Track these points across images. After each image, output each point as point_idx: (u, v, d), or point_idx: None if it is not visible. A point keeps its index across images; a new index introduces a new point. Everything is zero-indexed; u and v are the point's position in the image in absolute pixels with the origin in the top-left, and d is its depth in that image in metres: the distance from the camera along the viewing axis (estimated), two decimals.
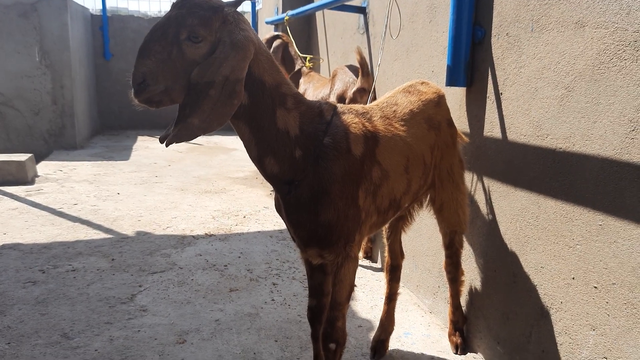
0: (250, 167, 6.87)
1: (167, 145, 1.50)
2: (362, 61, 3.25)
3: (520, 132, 2.13)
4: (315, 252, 1.79)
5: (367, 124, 1.81)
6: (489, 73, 2.33)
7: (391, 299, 2.47)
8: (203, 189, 5.65)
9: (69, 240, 3.90)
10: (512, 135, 2.18)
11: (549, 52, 1.96)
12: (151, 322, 2.74)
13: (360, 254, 3.77)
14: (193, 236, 4.11)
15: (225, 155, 7.80)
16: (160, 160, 7.17)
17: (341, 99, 3.49)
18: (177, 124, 1.48)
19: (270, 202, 5.23)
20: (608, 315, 1.73)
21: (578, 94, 1.82)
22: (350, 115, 1.78)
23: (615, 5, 1.66)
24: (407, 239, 3.06)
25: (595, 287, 1.78)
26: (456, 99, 2.56)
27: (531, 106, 2.06)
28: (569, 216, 1.89)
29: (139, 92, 1.47)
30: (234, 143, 8.95)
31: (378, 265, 3.62)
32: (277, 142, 1.65)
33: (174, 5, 1.49)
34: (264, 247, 3.92)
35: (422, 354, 2.51)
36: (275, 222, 4.57)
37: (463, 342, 2.51)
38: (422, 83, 2.23)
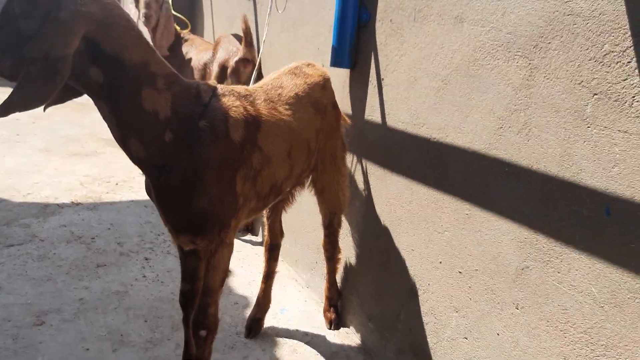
0: None
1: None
2: (246, 30, 3.14)
3: (399, 119, 2.17)
4: (188, 239, 1.71)
5: (249, 107, 1.74)
6: (372, 57, 2.34)
7: (269, 277, 2.46)
8: (71, 151, 5.22)
9: None
10: (391, 122, 2.23)
11: (429, 43, 2.00)
12: (5, 302, 2.50)
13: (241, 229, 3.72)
14: (58, 204, 3.80)
15: (98, 114, 7.25)
16: (22, 116, 6.50)
17: (223, 67, 3.36)
18: (5, 99, 1.34)
19: None
20: (470, 299, 1.85)
21: (453, 87, 1.89)
22: (231, 98, 1.70)
23: (492, 5, 1.72)
24: (288, 215, 3.04)
25: (459, 272, 1.89)
26: (340, 79, 2.55)
27: (410, 95, 2.11)
28: (439, 204, 1.98)
29: None
30: None
31: (259, 239, 3.60)
32: (142, 124, 1.54)
33: None
34: (137, 218, 3.72)
35: (297, 330, 2.54)
36: None
37: (337, 317, 2.58)
38: (309, 65, 2.19)
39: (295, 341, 2.46)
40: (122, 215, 3.75)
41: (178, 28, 4.05)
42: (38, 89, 1.35)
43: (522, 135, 1.63)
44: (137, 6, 3.90)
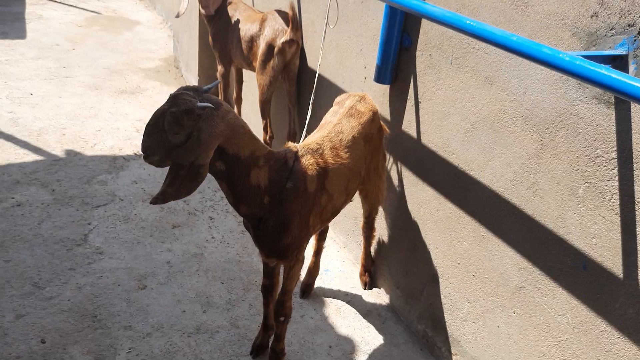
0: (159, 54, 6.84)
1: (151, 204, 1.88)
2: (293, 16, 3.45)
3: (432, 141, 2.64)
4: (275, 260, 2.30)
5: (320, 160, 2.22)
6: (412, 79, 2.74)
7: (318, 253, 3.06)
8: (117, 88, 5.66)
9: (0, 164, 4.00)
10: (425, 140, 2.69)
11: (462, 88, 2.41)
12: (110, 267, 3.16)
13: None
14: (124, 157, 4.35)
15: (129, 33, 7.53)
16: (61, 40, 6.83)
17: (270, 46, 3.70)
18: (161, 189, 1.87)
19: None
20: (479, 296, 2.45)
21: (480, 133, 2.34)
22: (308, 157, 2.18)
23: (516, 81, 2.13)
24: None
25: (473, 275, 2.47)
26: (381, 91, 2.96)
27: (443, 125, 2.55)
28: (461, 220, 2.51)
29: (145, 158, 1.90)
30: (134, 12, 8.58)
31: None
32: (250, 194, 2.06)
33: (167, 100, 1.78)
34: None
35: (339, 290, 3.20)
36: None
37: (370, 280, 3.23)
38: (361, 100, 2.59)
39: (338, 301, 3.12)
40: None
41: None
42: (186, 186, 1.87)
43: (530, 191, 2.12)
44: None
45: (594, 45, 1.80)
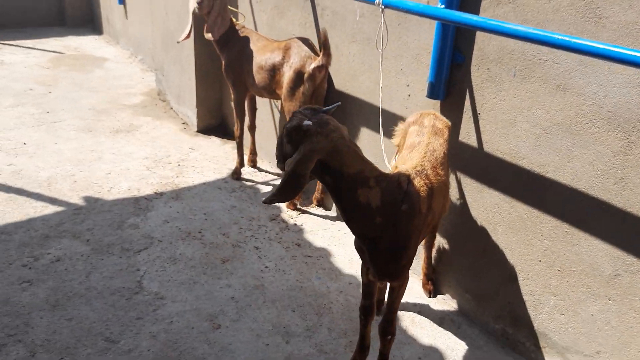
0: (139, 88, 6.75)
1: (264, 202, 2.10)
2: (326, 42, 3.52)
3: (497, 148, 2.77)
4: (387, 280, 2.36)
5: (427, 181, 2.30)
6: (467, 93, 2.87)
7: None
8: (111, 128, 5.53)
9: (21, 220, 3.84)
10: (488, 149, 2.82)
11: (529, 98, 2.56)
12: (177, 310, 3.10)
13: (313, 203, 4.32)
14: (145, 198, 4.27)
15: (100, 70, 7.37)
16: (33, 84, 6.59)
17: (299, 73, 3.76)
18: (271, 192, 2.08)
19: (191, 140, 5.40)
20: (567, 289, 2.59)
21: (555, 137, 2.49)
22: (418, 179, 2.26)
23: (594, 86, 2.29)
24: None
25: (558, 270, 2.61)
26: (429, 105, 3.08)
27: (509, 132, 2.69)
28: (538, 219, 2.65)
29: (277, 164, 2.15)
30: (97, 49, 8.42)
31: (332, 213, 4.22)
32: (359, 213, 2.14)
33: (288, 121, 2.05)
34: (221, 204, 4.26)
35: (407, 302, 3.27)
36: (214, 168, 4.85)
37: (434, 288, 3.32)
38: (436, 117, 2.69)
39: (409, 312, 3.20)
40: (206, 201, 4.27)
41: (234, 19, 4.33)
42: (290, 192, 2.05)
43: (619, 186, 2.28)
44: None
45: None
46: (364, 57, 3.55)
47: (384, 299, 3.16)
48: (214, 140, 5.48)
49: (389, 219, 2.16)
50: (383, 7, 2.81)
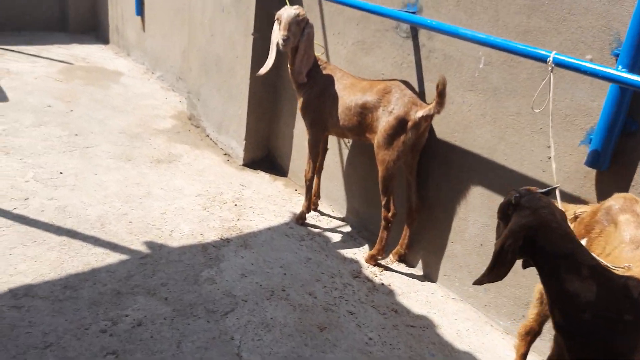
0: (166, 110, 6.33)
1: (474, 284, 2.08)
2: (444, 91, 3.22)
3: None
4: None
5: None
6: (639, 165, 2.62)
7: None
8: (150, 156, 5.07)
9: (84, 271, 3.36)
10: None
11: None
12: None
13: (393, 258, 3.98)
14: (212, 245, 3.85)
15: (118, 87, 6.86)
16: (50, 100, 6.04)
17: (402, 120, 3.45)
18: (483, 273, 2.02)
19: (240, 175, 4.99)
20: None
21: None
22: None
23: None
24: None
25: None
26: (581, 173, 2.82)
27: None
28: None
29: None
30: (107, 60, 7.95)
31: (418, 271, 3.90)
32: (563, 301, 1.89)
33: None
34: (294, 255, 3.88)
35: None
36: (273, 210, 4.46)
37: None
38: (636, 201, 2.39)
39: None
40: (277, 251, 3.89)
41: (318, 54, 3.99)
42: (499, 270, 1.97)
43: None
44: (278, 27, 3.77)
45: None
46: (485, 109, 3.27)
47: None
48: (263, 177, 5.09)
49: (601, 321, 1.85)
50: (553, 65, 2.53)
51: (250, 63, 4.80)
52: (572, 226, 2.37)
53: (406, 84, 3.61)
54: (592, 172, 2.81)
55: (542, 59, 2.57)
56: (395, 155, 3.52)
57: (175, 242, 3.82)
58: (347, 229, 4.39)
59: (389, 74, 3.86)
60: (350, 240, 4.23)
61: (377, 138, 3.57)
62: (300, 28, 3.76)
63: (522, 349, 2.82)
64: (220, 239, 3.94)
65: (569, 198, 2.88)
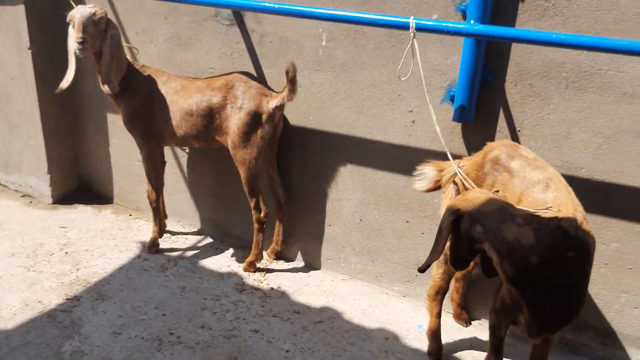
0: None
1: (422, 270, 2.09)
2: (294, 77, 3.02)
3: (549, 162, 2.71)
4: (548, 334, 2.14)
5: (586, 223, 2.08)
6: (501, 112, 2.75)
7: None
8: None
9: None
10: None
11: (588, 108, 2.56)
12: None
13: (270, 258, 3.73)
14: (61, 310, 3.11)
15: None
16: None
17: (256, 115, 3.16)
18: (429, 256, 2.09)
19: (54, 216, 4.16)
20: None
21: (621, 143, 2.54)
22: (584, 223, 2.03)
23: None
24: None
25: (630, 268, 2.70)
26: (448, 129, 2.88)
27: (562, 145, 2.66)
28: (604, 224, 2.69)
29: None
30: None
31: (299, 263, 3.70)
32: (510, 252, 1.93)
33: None
34: (165, 289, 3.36)
35: (453, 340, 3.04)
36: (115, 247, 3.81)
37: (468, 315, 3.16)
38: (523, 148, 2.47)
39: (465, 351, 2.98)
40: (143, 292, 3.32)
41: (130, 59, 3.42)
42: (439, 247, 2.08)
43: None
44: (73, 31, 3.12)
45: None
46: (337, 87, 3.15)
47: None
48: (85, 210, 4.32)
49: (548, 261, 1.92)
50: (415, 31, 2.48)
51: (35, 82, 3.95)
52: (457, 182, 2.43)
53: (247, 74, 3.29)
54: (458, 127, 2.88)
55: (404, 27, 2.50)
56: (256, 153, 3.22)
57: (8, 322, 2.99)
58: (208, 241, 3.96)
59: (220, 67, 3.49)
60: (217, 254, 3.81)
61: (232, 139, 3.22)
62: (99, 29, 3.14)
63: (435, 309, 2.83)
64: (67, 299, 3.21)
65: (440, 155, 2.93)
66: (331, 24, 3.01)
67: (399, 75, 2.79)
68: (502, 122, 2.77)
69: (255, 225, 3.44)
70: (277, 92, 3.18)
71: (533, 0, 2.53)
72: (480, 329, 3.13)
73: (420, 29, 2.49)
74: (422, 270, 2.09)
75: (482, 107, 2.78)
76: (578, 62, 2.52)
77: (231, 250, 3.84)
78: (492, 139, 2.81)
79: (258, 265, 3.59)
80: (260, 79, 3.36)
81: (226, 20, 3.36)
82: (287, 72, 3.02)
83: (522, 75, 2.66)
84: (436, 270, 2.74)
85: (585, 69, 2.52)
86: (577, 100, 2.58)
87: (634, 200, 2.60)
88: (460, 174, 2.43)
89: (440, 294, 2.79)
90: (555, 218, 2.00)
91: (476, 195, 2.10)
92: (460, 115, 2.76)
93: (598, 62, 2.49)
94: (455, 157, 2.87)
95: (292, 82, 3.03)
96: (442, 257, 2.66)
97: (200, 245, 3.91)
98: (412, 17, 2.48)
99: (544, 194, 2.18)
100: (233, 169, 3.33)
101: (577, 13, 2.46)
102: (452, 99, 2.84)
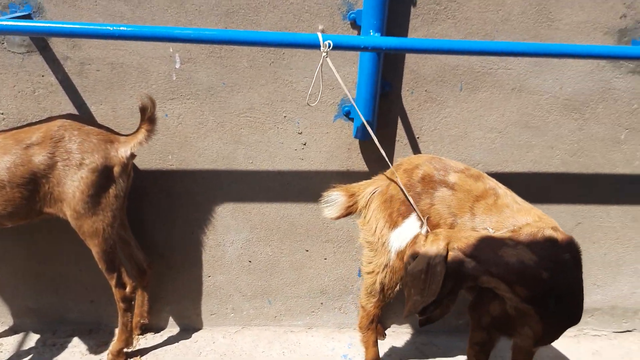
0: None
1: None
2: (153, 115, 2.39)
3: None
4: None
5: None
6: (399, 121, 2.61)
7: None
8: None
9: None
10: None
11: (481, 106, 2.59)
12: None
13: (136, 334, 3.01)
14: None
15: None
16: None
17: (105, 169, 2.41)
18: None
19: None
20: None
21: (512, 135, 2.65)
22: (559, 229, 2.02)
23: (549, 82, 2.55)
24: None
25: None
26: (344, 146, 2.64)
27: (459, 145, 2.66)
28: None
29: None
30: None
31: (172, 330, 3.07)
32: (520, 275, 1.89)
33: None
34: None
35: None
36: None
37: (383, 329, 3.07)
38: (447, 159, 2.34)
39: None
40: None
41: None
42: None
43: (575, 156, 2.71)
44: None
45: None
46: (203, 116, 2.58)
47: None
48: None
49: (554, 270, 1.94)
50: (329, 50, 2.11)
51: None
52: (372, 206, 2.30)
53: (74, 117, 2.45)
54: (355, 142, 2.65)
55: (314, 45, 2.10)
56: (111, 218, 2.46)
57: None
58: (33, 339, 2.98)
59: (16, 111, 2.53)
60: (56, 352, 2.90)
61: (73, 207, 2.38)
62: None
63: (372, 339, 2.66)
64: None
65: (339, 176, 2.69)
66: (185, 44, 2.41)
67: (308, 102, 2.40)
68: (400, 130, 2.63)
69: (121, 305, 2.69)
70: (127, 135, 2.46)
71: (425, 4, 2.39)
72: (395, 337, 3.07)
73: (337, 46, 2.11)
74: (423, 323, 2.02)
75: (380, 118, 2.59)
76: (470, 64, 2.51)
77: (75, 341, 2.97)
78: (392, 149, 2.67)
79: (127, 350, 2.86)
80: (88, 119, 2.55)
81: (20, 48, 2.42)
82: (142, 109, 2.35)
83: (417, 82, 2.54)
84: (368, 299, 2.53)
85: (477, 69, 2.52)
86: (471, 100, 2.59)
87: (525, 183, 2.77)
88: (408, 198, 2.23)
89: (374, 322, 2.61)
90: (538, 229, 1.98)
91: (450, 232, 1.99)
92: (364, 132, 2.52)
93: (489, 62, 2.51)
94: (356, 174, 2.68)
95: (150, 120, 2.38)
96: (376, 284, 2.47)
97: (24, 349, 2.92)
98: (320, 32, 2.09)
99: (497, 207, 2.15)
100: (54, 234, 2.54)
101: (468, 15, 2.42)
102: (346, 114, 2.58)
